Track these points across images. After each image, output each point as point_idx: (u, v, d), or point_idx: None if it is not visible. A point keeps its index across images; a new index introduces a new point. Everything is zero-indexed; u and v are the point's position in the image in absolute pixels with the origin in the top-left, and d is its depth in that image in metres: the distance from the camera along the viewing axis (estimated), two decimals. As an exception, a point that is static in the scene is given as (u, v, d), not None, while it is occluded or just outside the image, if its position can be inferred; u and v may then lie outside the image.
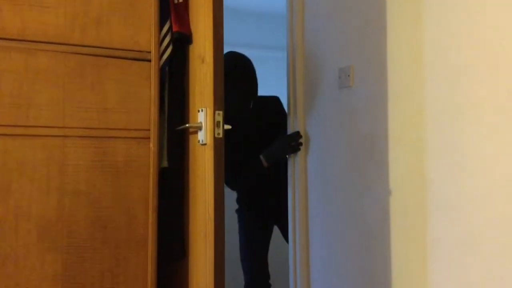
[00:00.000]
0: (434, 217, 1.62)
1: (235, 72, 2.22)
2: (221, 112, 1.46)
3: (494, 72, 1.45)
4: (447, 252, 1.58)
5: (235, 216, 2.58)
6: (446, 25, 1.60)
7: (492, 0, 1.46)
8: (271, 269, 2.55)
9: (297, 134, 2.24)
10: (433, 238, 1.63)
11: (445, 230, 1.59)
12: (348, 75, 1.98)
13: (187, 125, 1.57)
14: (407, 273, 1.73)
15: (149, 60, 1.55)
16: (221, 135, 1.45)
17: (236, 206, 2.58)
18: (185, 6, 1.66)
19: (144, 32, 1.54)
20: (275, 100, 2.50)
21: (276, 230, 2.58)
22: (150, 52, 1.55)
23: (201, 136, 1.49)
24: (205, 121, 1.46)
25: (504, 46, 1.43)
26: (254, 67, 2.36)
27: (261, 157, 2.27)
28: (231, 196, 2.51)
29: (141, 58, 1.54)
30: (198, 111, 1.50)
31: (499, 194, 1.43)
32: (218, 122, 1.45)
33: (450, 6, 1.59)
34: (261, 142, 2.38)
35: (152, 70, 1.55)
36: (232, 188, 2.44)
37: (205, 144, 1.47)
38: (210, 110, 1.45)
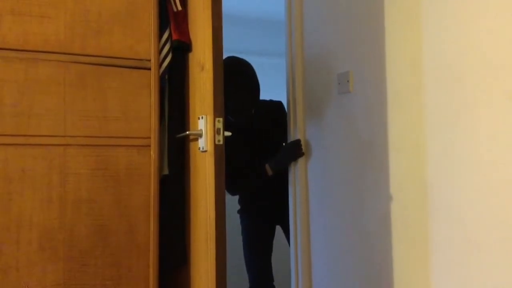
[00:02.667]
0: (434, 221, 1.62)
1: (236, 78, 2.23)
2: (221, 119, 1.46)
3: (493, 76, 1.46)
4: (448, 256, 1.58)
5: (237, 219, 2.57)
6: (444, 30, 1.61)
7: (490, 4, 1.47)
8: (274, 271, 2.54)
9: (299, 142, 2.25)
10: (434, 242, 1.63)
11: (446, 234, 1.59)
12: (347, 81, 1.99)
13: (187, 132, 1.58)
14: (408, 277, 1.73)
15: (149, 69, 1.55)
16: (221, 142, 1.46)
17: (238, 207, 2.58)
18: (184, 14, 1.67)
19: (144, 40, 1.55)
20: (278, 104, 2.50)
21: (279, 231, 2.57)
22: (150, 60, 1.56)
23: (201, 143, 1.49)
24: (205, 128, 1.47)
25: (502, 50, 1.44)
26: (255, 72, 2.36)
27: (267, 166, 2.28)
28: (231, 201, 2.52)
29: (141, 66, 1.55)
30: (198, 118, 1.51)
31: (499, 198, 1.43)
32: (219, 129, 1.46)
33: (448, 11, 1.60)
34: (262, 147, 2.39)
35: (152, 78, 1.55)
36: (232, 193, 2.44)
37: (205, 151, 1.48)
38: (210, 117, 1.46)
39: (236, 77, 2.23)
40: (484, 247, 1.47)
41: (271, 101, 2.51)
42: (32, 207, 1.40)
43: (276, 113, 2.48)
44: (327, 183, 2.14)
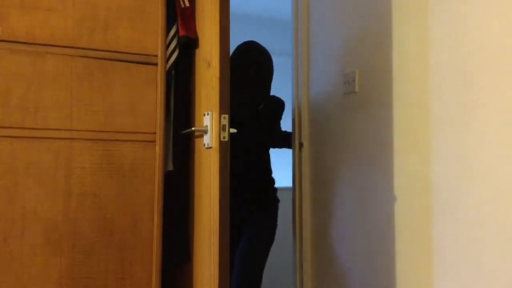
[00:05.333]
0: (439, 223, 1.62)
1: (248, 69, 2.09)
2: (226, 116, 1.46)
3: (500, 77, 1.46)
4: (452, 257, 1.58)
5: None
6: (451, 30, 1.61)
7: (498, 5, 1.47)
8: (273, 270, 2.50)
9: None
10: (438, 243, 1.62)
11: (450, 236, 1.58)
12: (353, 80, 1.99)
13: (192, 128, 1.58)
14: (412, 278, 1.73)
15: (156, 64, 1.56)
16: (226, 139, 1.46)
17: None
18: (191, 10, 1.67)
19: (151, 36, 1.55)
20: (278, 102, 2.33)
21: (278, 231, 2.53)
22: (156, 56, 1.56)
23: (206, 139, 1.49)
24: (210, 124, 1.47)
25: (510, 52, 1.43)
26: (271, 64, 2.19)
27: None
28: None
29: (148, 62, 1.55)
30: (204, 114, 1.51)
31: (504, 200, 1.43)
32: (224, 125, 1.46)
33: (455, 11, 1.59)
34: (251, 139, 2.25)
35: (158, 74, 1.56)
36: None
37: (210, 147, 1.48)
38: (216, 114, 1.46)
39: (249, 68, 2.10)
40: (488, 249, 1.47)
41: (274, 97, 2.35)
42: (37, 200, 1.40)
43: (272, 111, 2.31)
44: (332, 183, 2.14)
